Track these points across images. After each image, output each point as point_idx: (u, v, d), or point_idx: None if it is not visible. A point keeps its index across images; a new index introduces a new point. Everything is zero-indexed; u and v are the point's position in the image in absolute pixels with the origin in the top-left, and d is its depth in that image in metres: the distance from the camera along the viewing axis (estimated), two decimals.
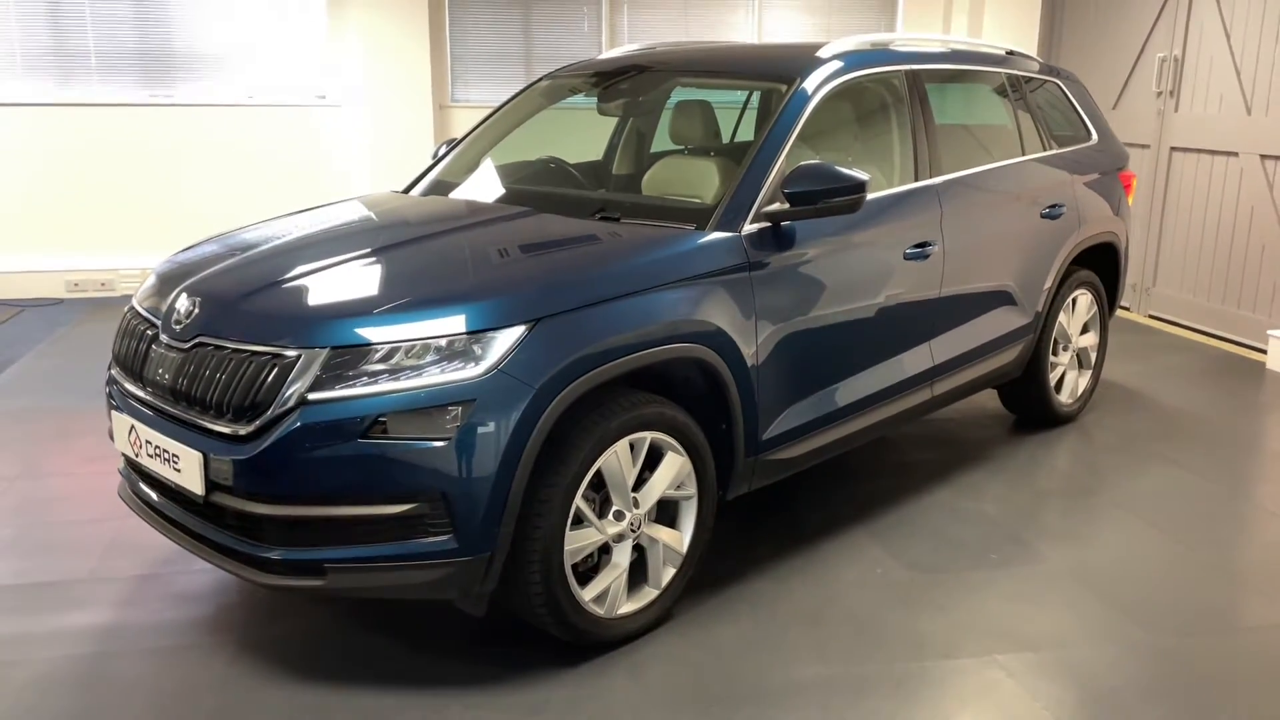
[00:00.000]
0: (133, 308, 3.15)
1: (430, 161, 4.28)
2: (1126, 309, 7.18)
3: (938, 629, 3.08)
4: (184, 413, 2.75)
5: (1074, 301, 4.70)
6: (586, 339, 2.71)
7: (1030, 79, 4.70)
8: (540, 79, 4.38)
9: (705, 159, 3.78)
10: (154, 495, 2.97)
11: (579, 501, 2.73)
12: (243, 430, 2.60)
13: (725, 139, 4.25)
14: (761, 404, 3.17)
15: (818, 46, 3.72)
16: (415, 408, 2.52)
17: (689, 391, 3.08)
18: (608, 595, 2.87)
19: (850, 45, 3.78)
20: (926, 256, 3.74)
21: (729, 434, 3.12)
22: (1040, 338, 4.50)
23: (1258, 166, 6.15)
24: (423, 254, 3.21)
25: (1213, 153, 6.50)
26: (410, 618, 3.09)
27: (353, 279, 2.96)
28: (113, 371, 3.13)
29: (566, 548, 2.72)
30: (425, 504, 2.54)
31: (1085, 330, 4.85)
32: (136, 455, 2.92)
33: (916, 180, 3.83)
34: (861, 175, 3.13)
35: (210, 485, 2.66)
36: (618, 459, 2.81)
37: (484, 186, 3.95)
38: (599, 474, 2.79)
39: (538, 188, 3.95)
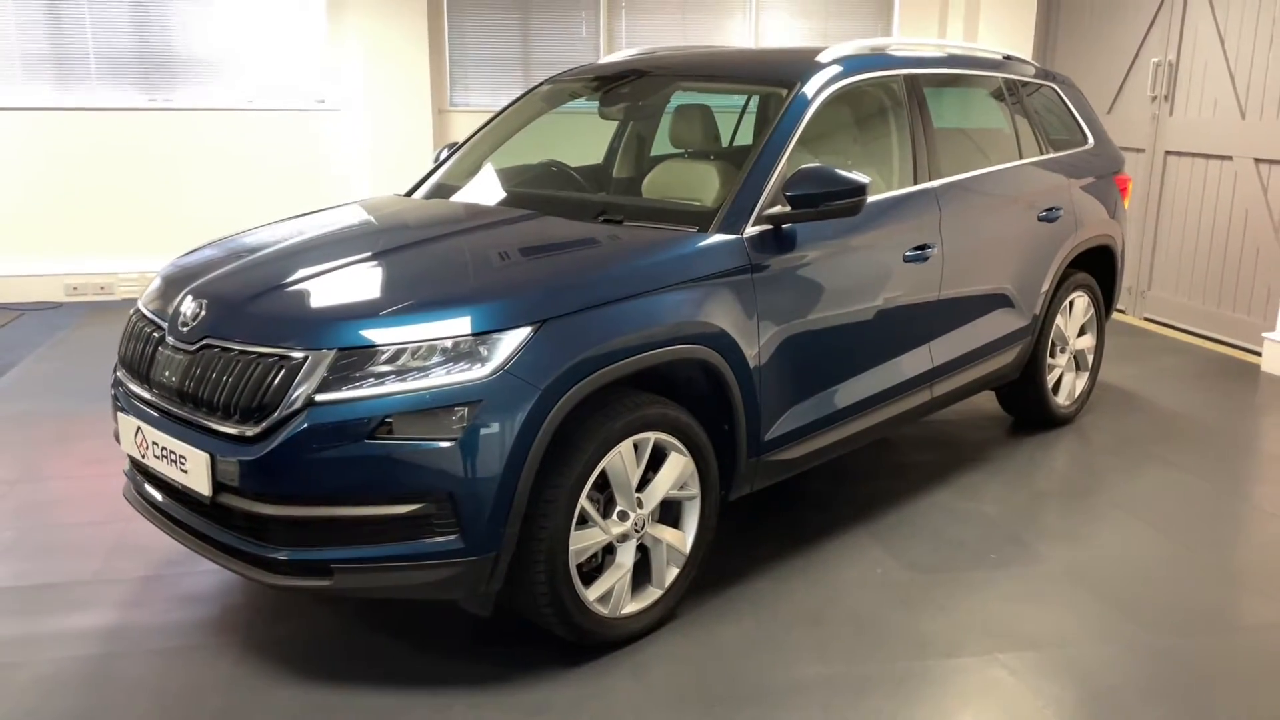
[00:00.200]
0: (138, 310, 3.16)
1: (432, 165, 4.30)
2: (1122, 312, 7.21)
3: (939, 628, 3.10)
4: (190, 414, 2.76)
5: (1071, 304, 4.74)
6: (591, 340, 2.73)
7: (1027, 83, 4.73)
8: (541, 83, 4.40)
9: (705, 162, 3.81)
10: (159, 496, 2.98)
11: (584, 502, 2.75)
12: (250, 431, 2.61)
13: (724, 143, 4.28)
14: (764, 405, 3.19)
15: (817, 51, 3.75)
16: (421, 409, 2.53)
17: (692, 392, 3.10)
18: (612, 595, 2.89)
19: (849, 50, 3.81)
20: (926, 259, 3.77)
21: (731, 435, 3.14)
22: (1038, 340, 4.53)
23: (1252, 170, 6.18)
24: (428, 256, 3.23)
25: (1207, 157, 6.54)
26: (414, 618, 3.11)
27: (359, 281, 2.97)
28: (118, 374, 3.14)
29: (571, 548, 2.74)
30: (432, 504, 2.55)
31: (1082, 332, 4.88)
32: (142, 457, 2.93)
33: (915, 183, 3.86)
34: (862, 178, 3.16)
35: (217, 486, 2.67)
36: (622, 459, 2.83)
37: (486, 190, 3.97)
38: (603, 474, 2.81)
39: (540, 191, 3.97)
